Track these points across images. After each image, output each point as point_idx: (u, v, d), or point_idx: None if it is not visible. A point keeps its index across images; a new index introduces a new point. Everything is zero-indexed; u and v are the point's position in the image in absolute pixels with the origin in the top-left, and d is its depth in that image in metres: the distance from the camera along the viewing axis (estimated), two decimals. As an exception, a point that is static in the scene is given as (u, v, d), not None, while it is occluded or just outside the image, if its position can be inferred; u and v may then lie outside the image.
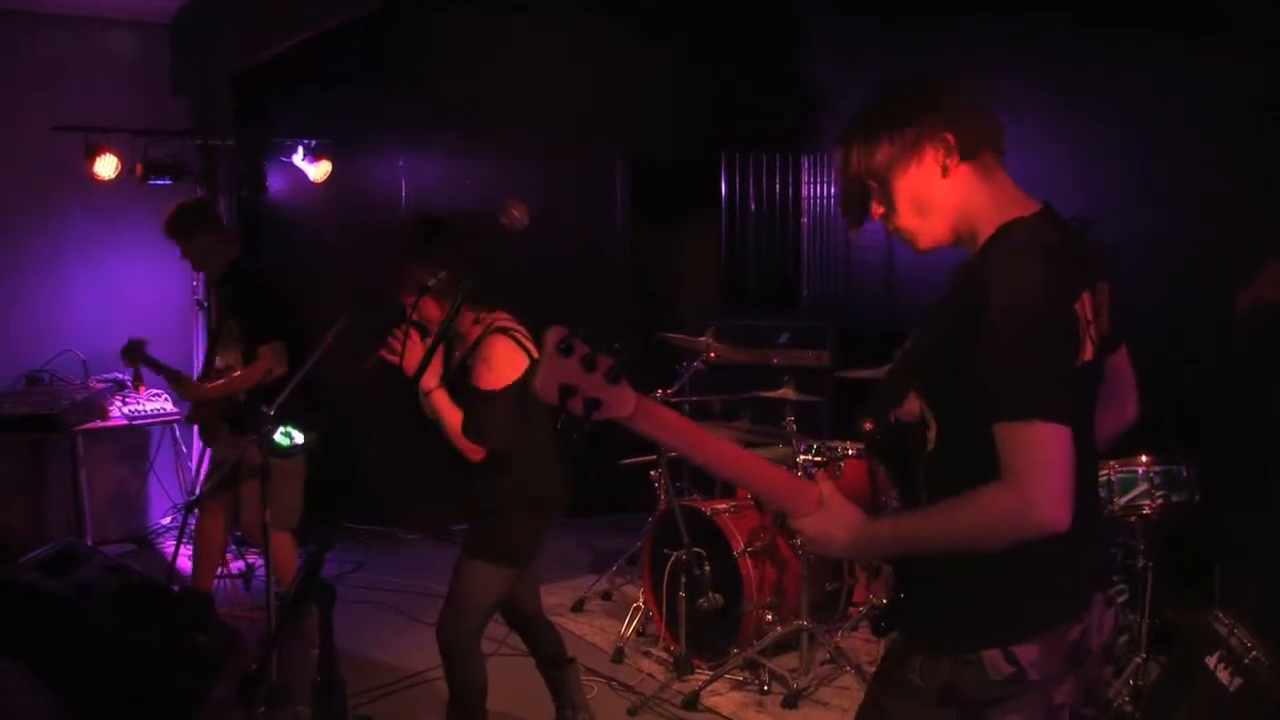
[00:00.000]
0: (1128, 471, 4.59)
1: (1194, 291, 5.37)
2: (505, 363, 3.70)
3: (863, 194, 2.14)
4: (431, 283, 3.62)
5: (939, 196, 2.08)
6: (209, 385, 5.37)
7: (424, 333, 3.75)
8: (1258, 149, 5.31)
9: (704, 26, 7.93)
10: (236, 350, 5.46)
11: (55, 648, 4.19)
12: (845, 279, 7.80)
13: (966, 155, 2.05)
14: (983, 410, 1.88)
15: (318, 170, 7.26)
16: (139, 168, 6.84)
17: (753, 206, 7.89)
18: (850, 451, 5.22)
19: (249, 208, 7.31)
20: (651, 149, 8.09)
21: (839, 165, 2.16)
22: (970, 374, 1.90)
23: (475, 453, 3.71)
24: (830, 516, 2.06)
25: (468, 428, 3.68)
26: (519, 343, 3.77)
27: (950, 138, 2.04)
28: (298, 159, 7.21)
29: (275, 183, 7.25)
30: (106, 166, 6.76)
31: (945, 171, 2.06)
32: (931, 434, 2.10)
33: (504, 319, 3.83)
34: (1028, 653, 1.97)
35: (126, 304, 7.31)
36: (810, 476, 2.12)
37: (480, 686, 3.91)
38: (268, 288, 5.53)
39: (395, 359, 3.66)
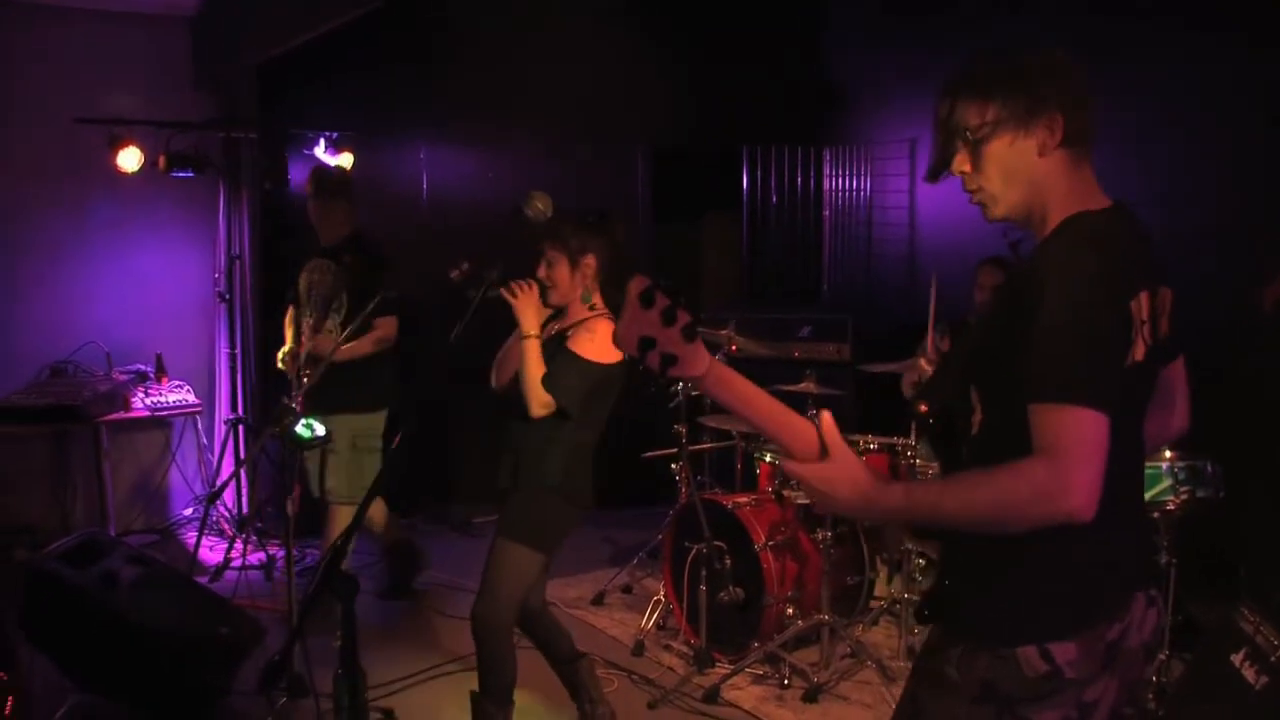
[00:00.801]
0: (1151, 467, 4.56)
1: (1219, 287, 5.33)
2: (606, 343, 3.78)
3: (952, 145, 2.11)
4: (586, 259, 3.90)
5: (1028, 173, 2.06)
6: (341, 345, 5.18)
7: (543, 290, 3.90)
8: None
9: (726, 19, 7.92)
10: (335, 318, 5.59)
11: (79, 638, 4.22)
12: (866, 272, 7.78)
13: (1067, 142, 2.04)
14: (1025, 400, 1.86)
15: (340, 163, 7.26)
16: (161, 160, 6.86)
17: (774, 199, 7.87)
18: (873, 445, 5.20)
19: (271, 200, 7.32)
20: (673, 141, 8.08)
21: (938, 113, 2.13)
22: (1018, 359, 1.88)
23: (541, 406, 3.78)
24: (834, 470, 1.98)
25: (547, 379, 3.78)
26: None
27: (1060, 119, 2.03)
28: (319, 151, 7.21)
29: (297, 175, 7.25)
30: (130, 159, 6.78)
31: (1043, 150, 2.04)
32: (976, 419, 2.09)
33: (613, 316, 3.91)
34: (1065, 651, 1.95)
35: (149, 296, 7.34)
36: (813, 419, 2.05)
37: (510, 674, 3.94)
38: (386, 262, 5.61)
39: (513, 299, 3.83)
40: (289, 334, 5.79)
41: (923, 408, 2.28)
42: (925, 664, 2.17)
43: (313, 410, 5.11)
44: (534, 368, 3.80)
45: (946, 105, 2.11)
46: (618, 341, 1.95)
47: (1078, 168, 2.07)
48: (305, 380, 5.10)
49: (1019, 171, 2.06)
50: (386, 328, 5.47)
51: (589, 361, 3.81)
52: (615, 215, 4.06)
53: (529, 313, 3.84)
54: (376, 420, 5.62)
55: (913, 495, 1.99)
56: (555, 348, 3.89)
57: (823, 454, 1.99)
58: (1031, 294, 1.89)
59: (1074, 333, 1.84)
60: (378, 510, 5.97)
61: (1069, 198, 2.04)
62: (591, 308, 3.94)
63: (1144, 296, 1.95)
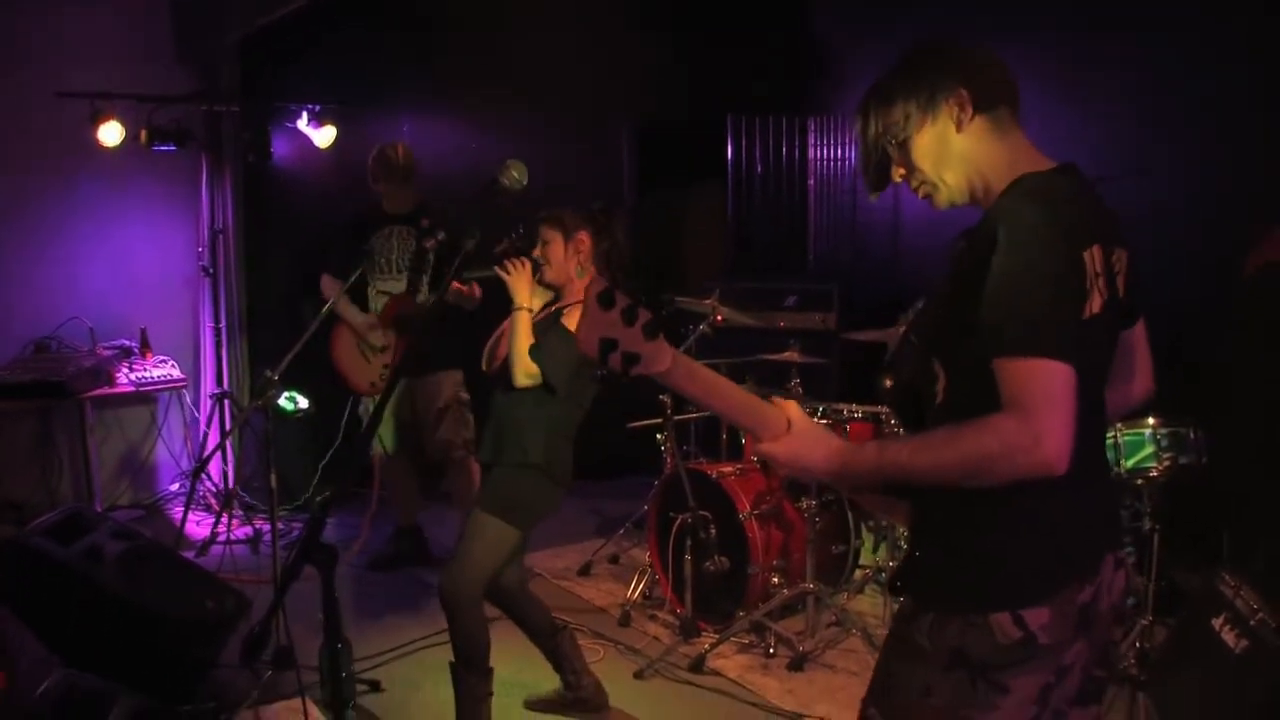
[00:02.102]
0: (1134, 433, 4.57)
1: (1200, 254, 5.35)
2: None
3: (882, 158, 2.16)
4: (580, 235, 3.97)
5: (955, 152, 2.10)
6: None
7: (535, 267, 3.98)
8: (1264, 113, 5.27)
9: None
10: (401, 281, 5.87)
11: (64, 613, 4.21)
12: (851, 242, 7.76)
13: (981, 109, 2.08)
14: (987, 357, 1.86)
15: (322, 136, 7.23)
16: (143, 134, 6.82)
17: (759, 169, 7.85)
18: (857, 414, 5.21)
19: (254, 173, 7.29)
20: (657, 112, 8.05)
21: (859, 131, 2.19)
22: (974, 319, 1.89)
23: (526, 376, 3.83)
24: (802, 439, 2.09)
25: (534, 351, 3.83)
26: None
27: (965, 92, 2.07)
28: (302, 124, 7.18)
29: (280, 148, 7.21)
30: (111, 134, 6.73)
31: (960, 126, 2.08)
32: (940, 386, 2.08)
33: None
34: (1038, 616, 1.95)
35: (133, 270, 7.31)
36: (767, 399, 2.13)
37: (483, 643, 3.95)
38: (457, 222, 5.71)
39: (506, 275, 3.94)
40: (345, 304, 5.87)
41: (887, 381, 2.30)
42: (897, 632, 2.17)
43: (421, 370, 5.73)
44: (522, 338, 3.84)
45: (862, 121, 2.17)
46: (579, 344, 1.97)
47: (1005, 133, 2.10)
48: (390, 350, 5.60)
49: (946, 155, 2.10)
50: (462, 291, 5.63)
51: (578, 336, 3.80)
52: (617, 211, 4.12)
53: (521, 286, 3.92)
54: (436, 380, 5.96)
55: (885, 454, 2.00)
56: (549, 325, 3.92)
57: (788, 429, 2.09)
58: (982, 253, 1.90)
59: (1029, 283, 1.84)
60: (409, 487, 6.29)
61: (1006, 164, 2.07)
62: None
63: (1096, 249, 1.94)
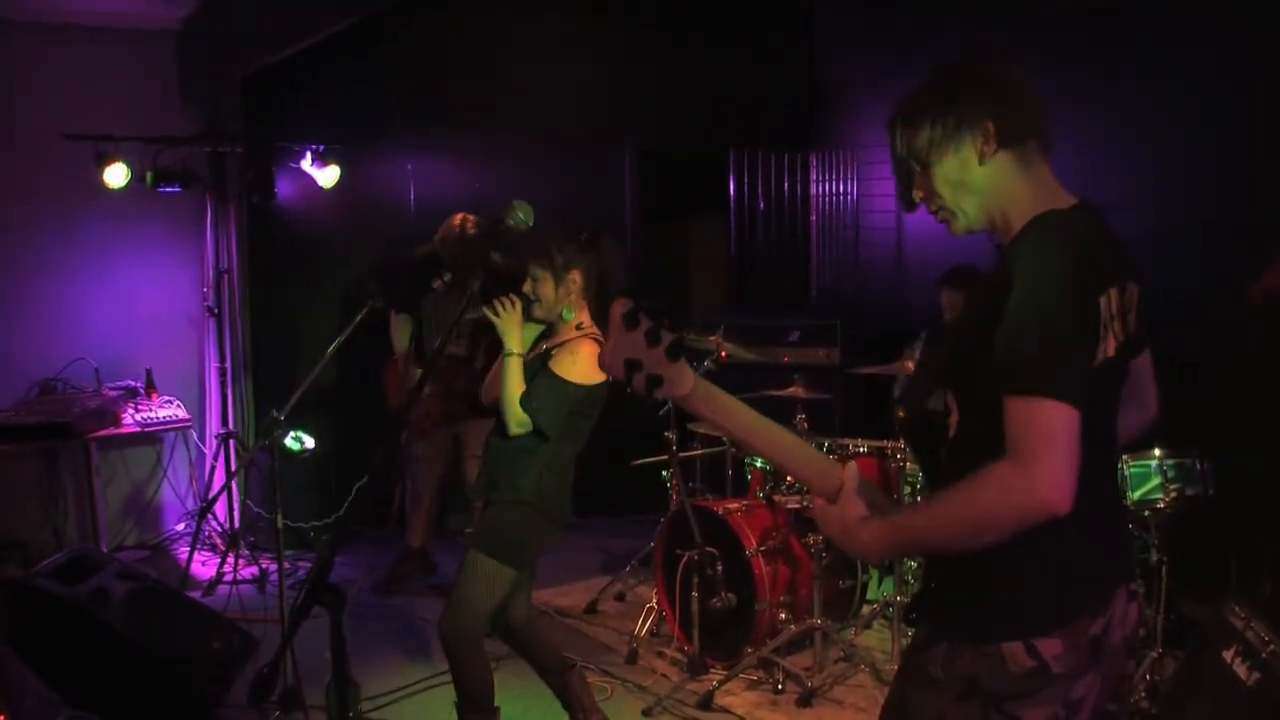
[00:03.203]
0: (1141, 465, 4.58)
1: (1208, 284, 5.35)
2: (588, 364, 3.80)
3: (909, 176, 2.16)
4: (571, 275, 3.89)
5: (975, 183, 2.09)
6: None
7: (526, 304, 3.92)
8: (1270, 140, 5.29)
9: (713, 23, 7.94)
10: (465, 340, 5.99)
11: (70, 654, 4.21)
12: (854, 277, 7.79)
13: (1006, 143, 2.07)
14: (998, 394, 1.87)
15: (326, 176, 7.26)
16: (148, 175, 6.86)
17: (761, 205, 7.88)
18: (862, 448, 5.21)
19: (258, 213, 7.32)
20: (660, 144, 8.09)
21: (891, 150, 2.19)
22: (989, 358, 1.89)
23: (519, 425, 3.81)
24: (845, 513, 2.06)
25: (525, 399, 3.80)
26: None
27: (990, 125, 2.06)
28: (306, 164, 7.21)
29: (284, 189, 7.24)
30: (117, 176, 6.76)
31: (982, 158, 2.07)
32: (953, 420, 2.09)
33: (599, 334, 3.91)
34: (1050, 646, 1.95)
35: (138, 311, 7.33)
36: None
37: (486, 683, 3.93)
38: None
39: (495, 317, 3.88)
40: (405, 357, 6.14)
41: (901, 413, 2.31)
42: (911, 662, 2.17)
43: (450, 420, 5.71)
44: (514, 386, 3.82)
45: (891, 140, 2.17)
46: (604, 365, 1.96)
47: (1028, 168, 2.09)
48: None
49: (966, 183, 2.10)
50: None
51: (570, 383, 3.82)
52: (604, 233, 4.06)
53: (511, 330, 3.87)
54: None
55: (901, 523, 2.02)
56: (538, 366, 3.89)
57: (839, 493, 2.08)
58: (1000, 294, 1.90)
59: (1040, 327, 1.84)
60: (431, 511, 6.42)
61: (1027, 199, 2.06)
62: (579, 326, 3.93)
63: (1113, 293, 1.95)
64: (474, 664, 3.90)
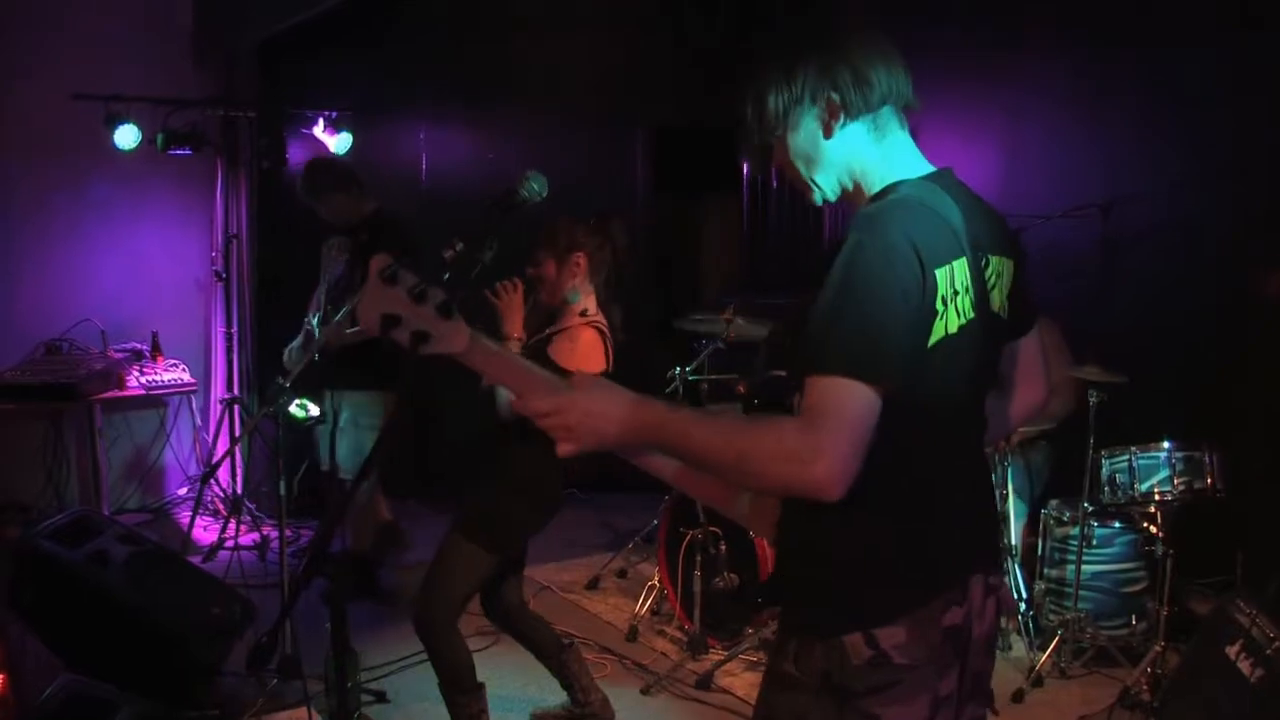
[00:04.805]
0: (1149, 457, 4.56)
1: (1218, 275, 5.31)
2: (587, 352, 3.75)
3: (763, 145, 2.09)
4: (575, 257, 3.83)
5: (824, 155, 2.03)
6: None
7: (529, 289, 3.85)
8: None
9: (730, -2, 7.88)
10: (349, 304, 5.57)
11: (69, 616, 4.20)
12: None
13: (853, 114, 1.99)
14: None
15: (338, 142, 7.23)
16: (158, 137, 6.83)
17: (774, 182, 7.83)
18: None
19: (269, 180, 7.29)
20: (674, 120, 8.04)
21: (741, 119, 2.11)
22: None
23: (509, 410, 3.71)
24: (594, 396, 1.96)
25: None
26: (605, 347, 3.80)
27: (835, 97, 1.98)
28: (318, 131, 7.18)
29: (296, 154, 7.21)
30: (127, 137, 6.75)
31: (828, 132, 2.01)
32: (797, 400, 1.91)
33: (603, 322, 3.87)
34: (891, 635, 1.86)
35: (145, 274, 7.32)
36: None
37: (464, 663, 3.90)
38: (409, 244, 5.54)
39: (496, 300, 3.78)
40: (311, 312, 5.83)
41: (740, 388, 2.26)
42: (770, 666, 2.07)
43: (313, 388, 5.18)
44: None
45: (743, 110, 2.09)
46: (359, 318, 1.93)
47: (882, 137, 2.02)
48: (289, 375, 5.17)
49: (815, 156, 2.04)
50: None
51: (566, 371, 3.75)
52: (614, 218, 3.99)
53: (511, 314, 3.79)
54: (375, 399, 5.65)
55: (672, 414, 1.92)
56: (536, 353, 3.82)
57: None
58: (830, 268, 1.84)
59: (851, 302, 1.76)
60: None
61: (880, 168, 2.01)
62: (584, 313, 3.88)
63: (957, 265, 1.87)
64: (449, 647, 3.86)
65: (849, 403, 1.71)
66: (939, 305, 1.83)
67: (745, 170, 7.89)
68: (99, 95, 6.72)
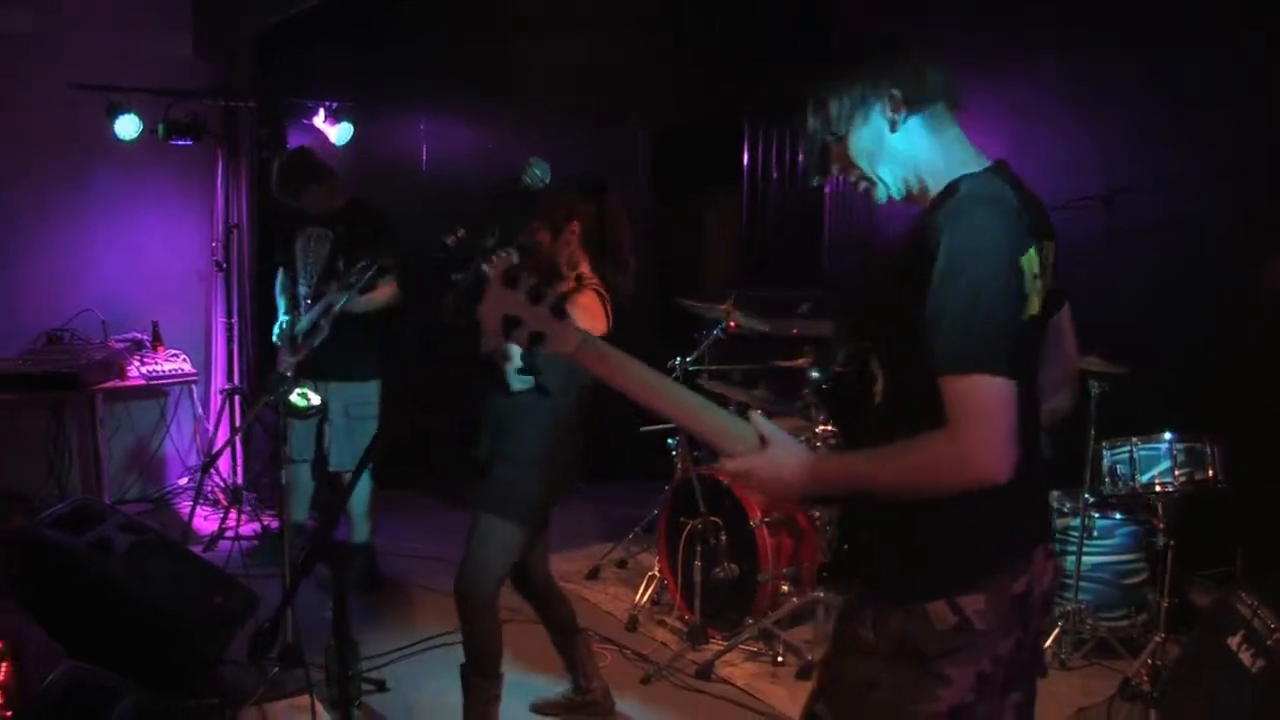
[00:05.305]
0: (1150, 448, 4.55)
1: (1217, 273, 5.31)
2: (589, 314, 3.71)
3: (822, 150, 2.19)
4: (570, 225, 3.85)
5: (889, 151, 2.12)
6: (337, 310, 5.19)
7: (523, 256, 3.80)
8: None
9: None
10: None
11: (71, 604, 4.20)
12: (866, 249, 7.73)
13: (914, 109, 2.09)
14: (929, 362, 1.89)
15: (338, 133, 7.22)
16: (159, 127, 6.82)
17: (775, 175, 7.82)
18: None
19: (269, 170, 7.28)
20: (674, 114, 8.03)
21: (799, 122, 2.21)
22: (919, 326, 1.91)
23: (520, 382, 3.75)
24: (778, 455, 2.07)
25: (524, 357, 3.72)
26: (605, 308, 3.80)
27: (895, 91, 2.08)
28: (319, 121, 7.18)
29: (296, 145, 7.21)
30: (127, 127, 6.74)
31: (893, 126, 2.10)
32: (879, 388, 2.12)
33: (600, 284, 3.86)
34: (973, 602, 1.99)
35: (146, 264, 7.32)
36: (746, 419, 2.13)
37: (496, 647, 3.91)
38: (386, 230, 5.57)
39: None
40: (282, 302, 5.77)
41: (814, 374, 2.34)
42: (841, 630, 2.19)
43: (306, 379, 5.17)
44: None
45: (801, 119, 2.19)
46: (481, 319, 2.03)
47: (941, 131, 2.12)
48: (298, 354, 5.12)
49: (880, 152, 2.13)
50: (383, 294, 5.41)
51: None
52: (609, 188, 3.99)
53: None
54: (369, 390, 5.62)
55: (848, 464, 2.08)
56: None
57: (762, 444, 2.09)
58: (922, 264, 1.92)
59: (970, 299, 1.86)
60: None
61: (943, 162, 2.10)
62: (579, 277, 3.87)
63: (1034, 252, 1.97)
64: (485, 626, 3.87)
65: (991, 397, 1.85)
66: (1026, 290, 1.95)
67: (746, 163, 7.89)
68: (100, 86, 6.72)
